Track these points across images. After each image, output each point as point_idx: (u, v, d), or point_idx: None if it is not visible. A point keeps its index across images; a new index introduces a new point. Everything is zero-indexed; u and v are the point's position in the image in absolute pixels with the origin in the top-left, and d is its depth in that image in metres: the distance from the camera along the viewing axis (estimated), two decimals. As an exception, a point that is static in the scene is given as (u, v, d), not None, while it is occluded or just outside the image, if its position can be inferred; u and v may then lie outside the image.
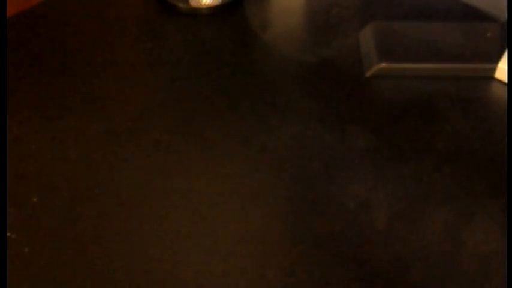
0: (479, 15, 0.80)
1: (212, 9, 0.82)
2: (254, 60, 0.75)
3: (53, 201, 0.58)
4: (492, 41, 0.74)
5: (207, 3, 0.81)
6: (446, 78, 0.72)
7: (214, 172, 0.61)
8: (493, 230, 0.56)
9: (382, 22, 0.78)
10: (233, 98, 0.69)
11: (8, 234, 0.55)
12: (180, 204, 0.58)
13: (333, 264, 0.53)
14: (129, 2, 0.85)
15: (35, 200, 0.59)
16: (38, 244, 0.55)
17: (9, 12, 0.82)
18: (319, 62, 0.75)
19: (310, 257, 0.54)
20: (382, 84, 0.71)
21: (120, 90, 0.71)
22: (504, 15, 0.77)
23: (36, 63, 0.75)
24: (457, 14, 0.81)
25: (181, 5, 0.82)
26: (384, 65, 0.72)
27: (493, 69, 0.72)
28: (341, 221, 0.56)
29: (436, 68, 0.72)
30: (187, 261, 0.53)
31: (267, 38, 0.79)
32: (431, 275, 0.52)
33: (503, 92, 0.70)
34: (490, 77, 0.72)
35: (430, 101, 0.69)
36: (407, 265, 0.53)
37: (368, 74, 0.72)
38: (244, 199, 0.59)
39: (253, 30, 0.80)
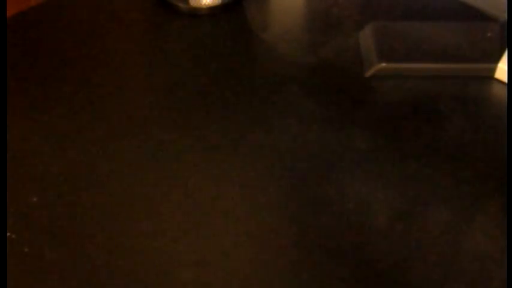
0: (479, 15, 0.80)
1: (212, 9, 0.82)
2: (254, 60, 0.75)
3: (53, 201, 0.58)
4: (492, 41, 0.74)
5: (207, 3, 0.81)
6: (446, 78, 0.72)
7: (214, 172, 0.61)
8: (493, 230, 0.56)
9: (382, 22, 0.78)
10: (233, 98, 0.69)
11: (8, 234, 0.55)
12: (180, 204, 0.58)
13: (333, 264, 0.53)
14: (129, 2, 0.85)
15: (35, 200, 0.59)
16: (38, 244, 0.55)
17: (9, 12, 0.82)
18: (319, 62, 0.75)
19: (310, 257, 0.54)
20: (382, 84, 0.71)
21: (120, 90, 0.71)
22: (504, 15, 0.77)
23: (36, 63, 0.75)
24: (457, 14, 0.81)
25: (181, 5, 0.82)
26: (384, 65, 0.72)
27: (493, 69, 0.72)
28: (341, 221, 0.56)
29: (436, 68, 0.72)
30: (186, 261, 0.53)
31: (267, 38, 0.79)
32: (431, 275, 0.52)
33: (503, 92, 0.70)
34: (490, 77, 0.72)
35: (430, 101, 0.69)
36: (407, 265, 0.53)
37: (368, 74, 0.72)
38: (244, 199, 0.59)
39: (253, 30, 0.80)
